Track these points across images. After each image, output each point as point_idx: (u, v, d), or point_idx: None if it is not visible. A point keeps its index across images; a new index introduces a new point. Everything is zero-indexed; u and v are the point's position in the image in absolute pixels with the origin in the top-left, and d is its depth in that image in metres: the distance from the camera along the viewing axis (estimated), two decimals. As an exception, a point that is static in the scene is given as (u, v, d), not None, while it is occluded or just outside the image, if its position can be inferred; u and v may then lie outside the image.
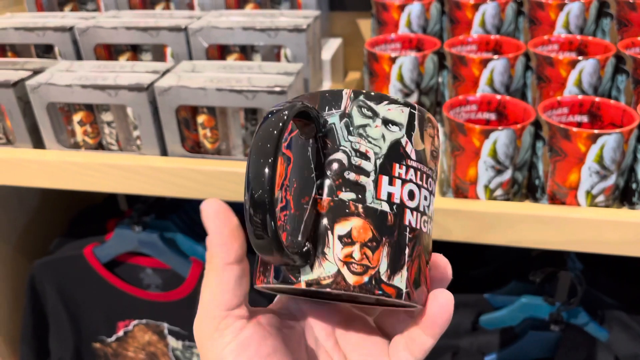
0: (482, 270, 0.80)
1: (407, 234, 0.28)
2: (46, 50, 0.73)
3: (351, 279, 0.27)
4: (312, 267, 0.27)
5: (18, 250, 0.87)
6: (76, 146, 0.64)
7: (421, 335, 0.29)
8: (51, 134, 0.62)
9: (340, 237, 0.27)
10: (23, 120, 0.61)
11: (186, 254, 0.77)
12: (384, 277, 0.27)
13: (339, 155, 0.28)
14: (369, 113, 0.28)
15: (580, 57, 0.56)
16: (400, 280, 0.28)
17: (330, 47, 0.80)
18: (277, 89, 0.55)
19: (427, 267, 0.30)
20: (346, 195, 0.27)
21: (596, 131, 0.48)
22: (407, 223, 0.28)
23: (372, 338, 0.32)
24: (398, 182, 0.28)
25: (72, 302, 0.81)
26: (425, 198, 0.29)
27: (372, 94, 0.29)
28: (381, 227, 0.27)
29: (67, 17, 0.71)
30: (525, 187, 0.56)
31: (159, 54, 0.70)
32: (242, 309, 0.29)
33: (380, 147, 0.28)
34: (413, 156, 0.29)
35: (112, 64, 0.63)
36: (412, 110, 0.29)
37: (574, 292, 0.66)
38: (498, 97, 0.56)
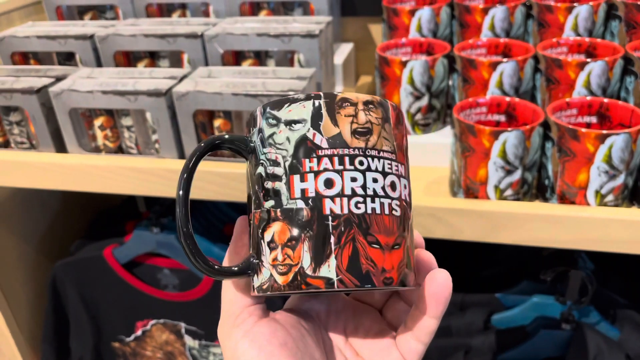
0: (493, 270, 0.81)
1: (330, 222, 0.28)
2: (67, 58, 0.75)
3: (280, 279, 0.28)
4: (257, 276, 0.30)
5: (40, 252, 0.89)
6: (97, 150, 0.66)
7: (424, 318, 0.30)
8: (73, 138, 0.64)
9: (268, 244, 0.29)
10: (46, 125, 0.63)
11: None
12: (308, 271, 0.28)
13: (259, 169, 0.30)
14: (274, 121, 0.30)
15: (588, 59, 0.57)
16: (329, 269, 0.28)
17: (342, 52, 0.81)
18: (291, 93, 0.56)
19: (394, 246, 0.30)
20: (268, 204, 0.29)
21: (604, 131, 0.49)
22: (327, 212, 0.28)
23: (382, 332, 0.33)
24: (310, 176, 0.28)
25: (92, 302, 0.84)
26: (354, 179, 0.29)
27: (276, 101, 0.30)
28: (298, 224, 0.28)
29: (88, 26, 0.74)
30: (535, 187, 0.57)
31: (175, 60, 0.72)
32: (257, 308, 0.31)
33: (286, 150, 0.29)
34: (325, 145, 0.29)
35: (131, 71, 0.65)
36: (315, 100, 0.29)
37: (585, 291, 0.66)
38: (507, 99, 0.57)
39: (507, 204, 0.54)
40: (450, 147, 0.58)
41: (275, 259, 0.29)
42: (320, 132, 0.29)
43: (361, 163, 0.29)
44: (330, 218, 0.28)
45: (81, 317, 0.84)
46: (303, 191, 0.28)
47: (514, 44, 0.65)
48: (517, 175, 0.54)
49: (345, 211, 0.28)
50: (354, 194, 0.28)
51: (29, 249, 0.87)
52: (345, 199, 0.28)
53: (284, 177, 0.29)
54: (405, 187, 0.31)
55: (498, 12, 0.68)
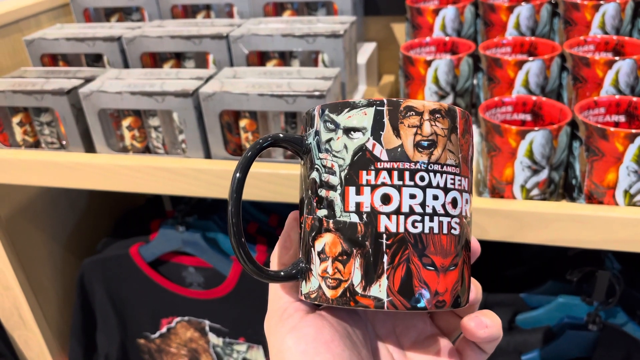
0: (518, 269, 0.81)
1: (384, 240, 0.27)
2: (95, 59, 0.76)
3: (329, 292, 0.28)
4: (306, 282, 0.29)
5: (68, 249, 0.91)
6: (125, 150, 0.67)
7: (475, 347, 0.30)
8: (102, 138, 0.65)
9: (318, 254, 0.28)
10: (76, 125, 0.65)
11: (227, 253, 0.79)
12: (358, 289, 0.27)
13: (314, 173, 0.29)
14: (332, 126, 0.28)
15: (616, 58, 0.56)
16: (379, 289, 0.27)
17: (365, 51, 0.82)
18: (317, 93, 0.57)
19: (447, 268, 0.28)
20: (321, 212, 0.28)
21: (634, 130, 0.48)
22: (382, 230, 0.27)
23: (433, 337, 0.32)
24: (366, 189, 0.27)
25: (118, 300, 0.85)
26: (413, 196, 0.27)
27: (336, 104, 0.28)
28: (351, 239, 0.27)
29: (115, 28, 0.75)
30: (562, 186, 0.57)
31: (201, 60, 0.73)
32: (302, 303, 0.30)
33: (343, 159, 0.28)
34: (384, 157, 0.27)
35: (158, 72, 0.66)
36: (377, 107, 0.27)
37: (612, 291, 0.66)
38: (534, 98, 0.57)
39: (533, 204, 0.53)
40: (476, 147, 0.57)
41: (325, 271, 0.28)
42: (380, 143, 0.27)
43: (422, 179, 0.27)
44: (384, 236, 0.27)
45: (108, 313, 0.86)
46: (358, 205, 0.27)
47: (539, 42, 0.64)
48: (543, 175, 0.53)
49: (401, 230, 0.27)
50: (411, 211, 0.27)
51: (57, 246, 0.89)
52: (402, 217, 0.27)
53: (338, 187, 0.28)
54: (467, 202, 0.29)
55: (523, 10, 0.67)
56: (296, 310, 0.30)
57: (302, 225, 0.30)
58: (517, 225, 0.53)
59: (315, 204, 0.29)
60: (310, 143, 0.29)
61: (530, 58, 0.59)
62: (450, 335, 0.33)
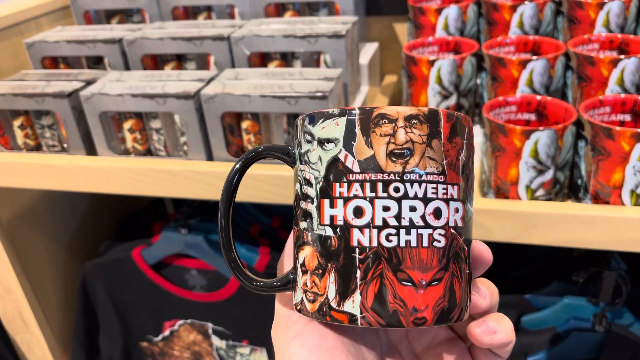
0: (523, 270, 0.80)
1: (357, 255, 0.26)
2: (96, 61, 0.76)
3: (308, 306, 0.28)
4: (294, 293, 0.29)
5: (70, 252, 0.91)
6: (126, 152, 0.67)
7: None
8: (103, 141, 0.65)
9: (300, 266, 0.28)
10: (77, 128, 0.64)
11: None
12: (333, 304, 0.27)
13: (297, 185, 0.29)
14: (309, 137, 0.28)
15: (622, 56, 0.56)
16: (353, 305, 0.26)
17: (367, 52, 0.81)
18: (319, 94, 0.56)
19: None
20: (302, 225, 0.28)
21: (640, 130, 0.48)
22: (354, 244, 0.26)
23: (447, 341, 0.31)
24: (339, 202, 0.26)
25: (121, 303, 0.85)
26: (387, 209, 0.26)
27: (313, 115, 0.28)
28: (326, 253, 0.27)
29: (116, 30, 0.75)
30: (567, 187, 0.56)
31: (202, 62, 0.73)
32: None
33: (318, 171, 0.27)
34: (356, 168, 0.26)
35: (159, 74, 0.66)
36: (349, 117, 0.26)
37: (618, 292, 0.65)
38: (538, 97, 0.56)
39: (539, 204, 0.53)
40: (480, 147, 0.57)
41: (305, 284, 0.28)
42: (352, 154, 0.26)
43: (397, 190, 0.26)
44: (357, 250, 0.26)
45: (110, 317, 0.85)
46: (332, 218, 0.27)
47: (543, 41, 0.64)
48: (549, 175, 0.53)
49: (374, 244, 0.26)
50: (385, 225, 0.26)
51: (59, 249, 0.89)
52: (375, 231, 0.26)
53: (315, 199, 0.27)
54: (456, 211, 0.27)
55: (527, 9, 0.67)
56: (301, 317, 0.30)
57: (292, 235, 0.30)
58: (523, 226, 0.53)
59: (299, 215, 0.29)
60: (295, 153, 0.29)
61: (534, 57, 0.58)
62: (467, 339, 0.32)
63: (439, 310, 0.27)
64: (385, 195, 0.26)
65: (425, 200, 0.26)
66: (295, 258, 0.29)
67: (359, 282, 0.26)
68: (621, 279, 0.64)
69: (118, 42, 0.70)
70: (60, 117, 0.64)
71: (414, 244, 0.26)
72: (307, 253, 0.28)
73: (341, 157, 0.27)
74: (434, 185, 0.27)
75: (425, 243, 0.26)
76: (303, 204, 0.28)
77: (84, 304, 0.85)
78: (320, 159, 0.27)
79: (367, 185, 0.26)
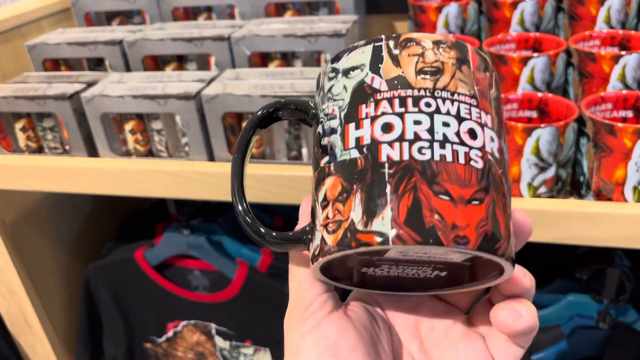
0: (526, 268, 0.80)
1: (387, 170, 0.23)
2: (97, 63, 0.76)
3: (329, 239, 0.24)
4: (311, 244, 0.26)
5: (73, 254, 0.91)
6: (128, 154, 0.67)
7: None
8: (104, 142, 0.65)
9: (320, 204, 0.25)
10: (78, 130, 0.64)
11: (232, 255, 0.79)
12: (359, 226, 0.23)
13: (318, 128, 0.27)
14: (333, 74, 0.27)
15: (623, 52, 0.56)
16: (382, 223, 0.23)
17: (368, 50, 0.81)
18: (320, 93, 0.56)
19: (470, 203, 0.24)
20: (323, 161, 0.26)
21: (642, 126, 0.48)
22: (383, 159, 0.24)
23: (466, 338, 0.28)
24: (366, 122, 0.24)
25: (124, 304, 0.85)
26: (418, 122, 0.24)
27: (338, 53, 0.27)
28: (351, 175, 0.24)
29: (116, 31, 0.75)
30: (569, 184, 0.56)
31: (203, 62, 0.73)
32: (329, 297, 0.27)
33: (343, 99, 0.26)
34: (384, 87, 0.25)
35: (160, 74, 0.66)
36: (376, 44, 0.26)
37: (622, 289, 0.65)
38: (539, 94, 0.56)
39: (541, 202, 0.53)
40: (482, 145, 0.57)
41: (326, 218, 0.25)
42: (379, 75, 0.25)
43: (428, 105, 0.24)
44: (386, 165, 0.23)
45: (114, 318, 0.86)
46: (358, 140, 0.24)
47: (544, 38, 0.64)
48: (551, 172, 0.53)
49: (406, 157, 0.23)
50: (417, 138, 0.24)
51: (62, 251, 0.89)
52: (405, 144, 0.24)
53: (339, 128, 0.25)
54: (492, 140, 0.25)
55: (527, 6, 0.66)
56: (321, 307, 0.27)
57: (311, 189, 0.27)
58: (525, 224, 0.53)
59: (319, 156, 0.26)
60: (317, 103, 0.28)
61: (535, 54, 0.58)
62: (484, 333, 0.29)
63: (482, 233, 0.23)
64: (416, 110, 0.24)
65: (459, 119, 0.24)
66: (315, 202, 0.26)
67: (389, 198, 0.23)
68: (625, 276, 0.64)
69: (119, 43, 0.70)
70: (62, 119, 0.64)
71: (449, 158, 0.23)
72: (329, 185, 0.25)
73: (367, 80, 0.25)
74: (467, 107, 0.25)
75: (461, 160, 0.24)
76: (325, 140, 0.26)
77: (88, 306, 0.86)
78: (344, 87, 0.26)
79: (396, 101, 0.24)
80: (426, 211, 0.23)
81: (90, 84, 0.66)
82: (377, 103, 0.24)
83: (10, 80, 0.71)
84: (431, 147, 0.24)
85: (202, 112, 0.60)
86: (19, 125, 0.68)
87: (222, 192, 0.61)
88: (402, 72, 0.25)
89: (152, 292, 0.82)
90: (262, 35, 0.66)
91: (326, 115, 0.26)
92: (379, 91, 0.25)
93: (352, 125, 0.25)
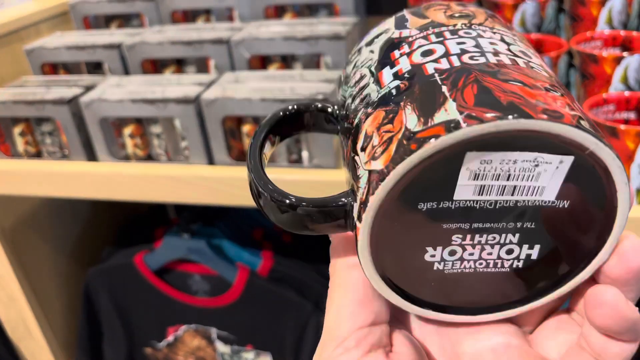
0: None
1: (438, 77, 0.20)
2: (96, 67, 0.76)
3: (379, 164, 0.19)
4: (354, 208, 0.21)
5: (72, 259, 0.90)
6: (127, 158, 0.66)
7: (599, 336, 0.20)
8: (103, 147, 0.64)
9: (362, 148, 0.21)
10: (77, 134, 0.64)
11: (233, 260, 0.78)
12: (417, 128, 0.18)
13: (345, 105, 0.24)
14: (355, 55, 0.26)
15: (625, 53, 0.55)
16: (447, 113, 0.18)
17: (368, 52, 0.81)
18: (320, 96, 0.56)
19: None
20: (356, 118, 0.22)
21: (645, 128, 0.47)
22: (431, 72, 0.20)
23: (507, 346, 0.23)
24: (402, 59, 0.22)
25: (124, 309, 0.84)
26: (462, 43, 0.21)
27: (363, 36, 0.26)
28: (395, 99, 0.20)
29: (115, 35, 0.74)
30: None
31: (202, 65, 0.73)
32: (368, 333, 0.21)
33: (371, 59, 0.23)
34: (415, 32, 0.23)
35: (159, 78, 0.66)
36: (398, 15, 0.25)
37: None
38: (541, 96, 0.56)
39: None
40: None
41: (371, 150, 0.20)
42: (407, 29, 0.23)
43: (468, 33, 0.22)
44: (436, 74, 0.20)
45: (114, 323, 0.85)
46: (396, 73, 0.21)
47: (546, 39, 0.63)
48: None
49: (457, 64, 0.20)
50: (464, 51, 0.21)
51: (61, 255, 0.88)
52: (454, 57, 0.21)
53: (371, 79, 0.22)
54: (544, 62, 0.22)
55: (528, 8, 0.66)
56: (357, 344, 0.21)
57: (346, 172, 0.24)
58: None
59: (350, 119, 0.22)
60: (341, 93, 0.25)
61: (537, 56, 0.58)
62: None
63: (575, 116, 0.18)
64: (457, 36, 0.22)
65: (504, 42, 0.22)
66: (352, 159, 0.21)
67: (448, 93, 0.19)
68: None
69: (117, 47, 0.70)
70: (61, 124, 0.64)
71: (507, 61, 0.20)
72: (369, 122, 0.21)
73: (395, 35, 0.23)
74: (510, 36, 0.23)
75: (521, 64, 0.20)
76: (356, 101, 0.22)
77: (88, 311, 0.85)
78: (371, 51, 0.24)
79: (432, 35, 0.22)
80: (499, 93, 0.18)
81: (88, 88, 0.65)
82: (411, 44, 0.22)
83: (9, 84, 0.70)
84: (483, 54, 0.21)
85: (202, 116, 0.60)
86: (17, 130, 0.67)
87: (222, 196, 0.61)
88: (431, 19, 0.23)
89: (152, 297, 0.82)
90: (261, 38, 0.66)
91: (354, 84, 0.23)
92: (411, 36, 0.23)
93: (386, 68, 0.22)
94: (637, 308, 0.19)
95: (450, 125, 0.18)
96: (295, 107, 0.25)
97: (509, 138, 0.18)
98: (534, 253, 0.21)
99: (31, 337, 0.84)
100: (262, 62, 0.70)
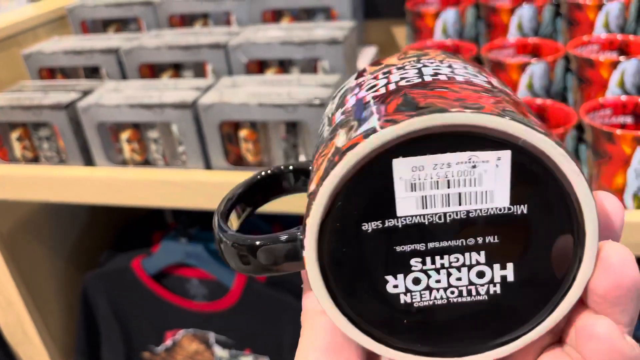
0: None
1: (372, 100, 0.20)
2: (94, 70, 0.76)
3: (312, 186, 0.19)
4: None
5: (70, 263, 0.90)
6: (124, 163, 0.66)
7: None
8: (101, 152, 0.64)
9: (309, 181, 0.21)
10: (74, 139, 0.64)
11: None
12: (341, 144, 0.18)
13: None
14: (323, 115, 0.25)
15: (621, 58, 0.55)
16: (369, 124, 0.18)
17: (365, 56, 0.81)
18: (317, 101, 0.56)
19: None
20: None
21: (642, 133, 0.47)
22: (368, 99, 0.20)
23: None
24: (351, 97, 0.22)
25: (122, 313, 0.84)
26: (405, 74, 0.21)
27: None
28: (335, 130, 0.21)
29: (112, 39, 0.74)
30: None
31: (199, 70, 0.73)
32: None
33: (331, 109, 0.23)
34: (367, 77, 0.23)
35: (156, 83, 0.66)
36: (360, 69, 0.25)
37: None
38: (538, 101, 0.56)
39: None
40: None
41: (311, 178, 0.20)
42: (363, 76, 0.23)
43: (414, 66, 0.22)
44: (371, 100, 0.20)
45: (112, 327, 0.85)
46: (343, 111, 0.21)
47: (543, 43, 0.63)
48: None
49: (392, 88, 0.20)
50: (403, 78, 0.20)
51: (59, 260, 0.88)
52: (392, 84, 0.20)
53: (326, 123, 0.23)
54: (492, 78, 0.22)
55: (525, 12, 0.66)
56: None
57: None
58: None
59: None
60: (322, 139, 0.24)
61: (534, 60, 0.58)
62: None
63: (502, 108, 0.18)
64: (401, 70, 0.22)
65: (450, 68, 0.22)
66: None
67: (374, 109, 0.19)
68: None
69: (115, 51, 0.70)
70: (58, 129, 0.64)
71: (443, 78, 0.20)
72: (315, 157, 0.21)
73: (352, 84, 0.24)
74: (458, 64, 0.23)
75: (461, 79, 0.20)
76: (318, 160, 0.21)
77: (85, 315, 0.85)
78: (332, 103, 0.24)
79: (380, 74, 0.22)
80: (420, 99, 0.18)
81: (86, 93, 0.65)
82: (361, 85, 0.22)
83: (6, 89, 0.70)
84: (421, 77, 0.20)
85: (199, 121, 0.60)
86: (15, 134, 0.67)
87: (219, 201, 0.61)
88: (385, 64, 0.23)
89: (149, 302, 0.82)
90: (259, 42, 0.66)
91: (319, 135, 0.23)
92: (364, 80, 0.23)
93: (339, 110, 0.22)
94: (636, 343, 0.18)
95: (367, 132, 0.17)
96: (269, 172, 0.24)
97: (435, 139, 0.17)
98: (509, 274, 0.19)
99: (29, 342, 0.84)
100: (259, 66, 0.70)
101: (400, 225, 0.18)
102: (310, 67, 0.70)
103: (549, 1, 0.67)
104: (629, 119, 0.54)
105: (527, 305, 0.19)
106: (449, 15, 0.69)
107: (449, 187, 0.18)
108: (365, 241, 0.19)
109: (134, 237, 0.91)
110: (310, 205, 0.18)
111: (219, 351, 0.83)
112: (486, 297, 0.19)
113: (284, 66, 0.70)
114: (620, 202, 0.19)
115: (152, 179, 0.62)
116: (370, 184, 0.18)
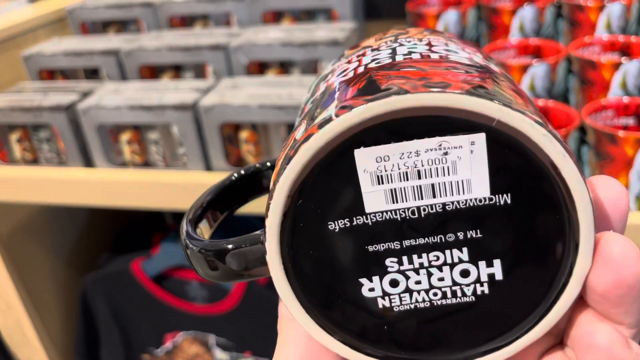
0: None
1: (338, 86, 0.19)
2: (94, 71, 0.76)
3: (271, 185, 0.18)
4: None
5: (69, 265, 0.90)
6: (124, 164, 0.66)
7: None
8: (101, 153, 0.64)
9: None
10: (74, 141, 0.64)
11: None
12: (300, 136, 0.17)
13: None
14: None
15: (623, 59, 0.55)
16: (327, 111, 0.17)
17: (366, 58, 0.80)
18: (318, 103, 0.56)
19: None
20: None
21: (644, 135, 0.47)
22: (335, 85, 0.19)
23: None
24: (322, 84, 0.21)
25: (122, 316, 0.84)
26: (377, 55, 0.20)
27: None
28: (298, 122, 0.20)
29: (112, 41, 0.74)
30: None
31: (199, 71, 0.72)
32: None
33: (306, 98, 0.22)
34: (342, 62, 0.21)
35: (156, 84, 0.65)
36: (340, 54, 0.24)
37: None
38: (540, 102, 0.56)
39: None
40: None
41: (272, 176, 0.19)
42: (339, 61, 0.22)
43: (390, 46, 0.20)
44: (337, 86, 0.19)
45: (111, 330, 0.85)
46: (313, 100, 0.20)
47: (544, 44, 0.63)
48: None
49: (361, 71, 0.18)
50: (374, 60, 0.19)
51: (59, 262, 0.88)
52: (362, 67, 0.19)
53: (299, 115, 0.21)
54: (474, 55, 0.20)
55: (527, 13, 0.66)
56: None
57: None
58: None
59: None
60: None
61: (535, 62, 0.57)
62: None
63: (473, 85, 0.16)
64: (375, 52, 0.20)
65: (428, 45, 0.20)
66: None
67: (336, 96, 0.18)
68: None
69: (115, 53, 0.69)
70: (58, 131, 0.63)
71: (416, 57, 0.19)
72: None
73: (327, 70, 0.22)
74: (440, 41, 0.21)
75: (436, 57, 0.19)
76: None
77: (85, 318, 0.85)
78: (308, 92, 0.22)
79: (353, 57, 0.21)
80: (383, 81, 0.16)
81: (86, 94, 0.65)
82: (333, 72, 0.21)
83: (6, 90, 0.70)
84: (393, 57, 0.19)
85: (199, 123, 0.60)
86: (14, 136, 0.67)
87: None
88: (363, 46, 0.22)
89: (149, 304, 0.81)
90: (259, 43, 0.65)
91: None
92: (338, 66, 0.21)
93: (309, 100, 0.21)
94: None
95: (322, 122, 0.16)
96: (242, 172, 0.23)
97: (399, 125, 0.15)
98: (497, 271, 0.17)
99: (28, 344, 0.84)
100: (260, 67, 0.70)
101: (370, 223, 0.17)
102: (311, 68, 0.70)
103: (550, 2, 0.66)
104: (631, 121, 0.54)
105: (519, 306, 0.18)
106: (450, 16, 0.69)
107: (419, 178, 0.16)
108: (334, 241, 0.17)
109: (133, 239, 0.91)
110: (269, 205, 0.17)
111: (219, 354, 0.83)
112: (473, 298, 0.18)
113: (284, 67, 0.70)
114: (622, 186, 0.17)
115: (152, 181, 0.61)
116: (333, 178, 0.16)
